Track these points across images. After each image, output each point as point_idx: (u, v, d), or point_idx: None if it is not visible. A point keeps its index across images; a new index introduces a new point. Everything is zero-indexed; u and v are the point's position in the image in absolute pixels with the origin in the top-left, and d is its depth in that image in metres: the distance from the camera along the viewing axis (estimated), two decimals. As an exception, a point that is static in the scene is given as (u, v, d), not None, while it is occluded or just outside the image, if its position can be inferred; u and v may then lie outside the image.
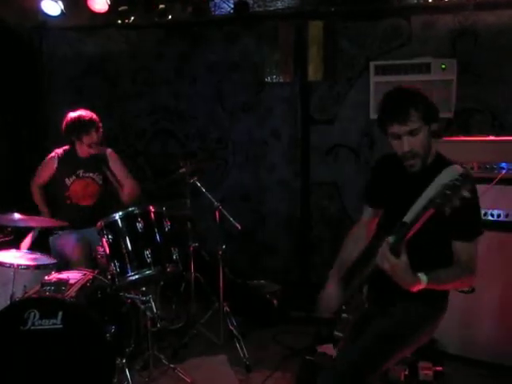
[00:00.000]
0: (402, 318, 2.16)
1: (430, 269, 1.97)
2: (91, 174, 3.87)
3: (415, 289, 1.92)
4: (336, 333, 2.28)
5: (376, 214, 2.42)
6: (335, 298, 2.31)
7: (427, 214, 1.78)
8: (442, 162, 2.06)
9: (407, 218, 1.85)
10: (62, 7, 4.61)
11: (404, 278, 1.89)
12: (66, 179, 3.82)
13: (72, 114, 3.77)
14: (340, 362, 2.17)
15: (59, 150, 3.89)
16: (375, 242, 2.08)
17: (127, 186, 3.85)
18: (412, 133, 2.05)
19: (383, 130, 2.16)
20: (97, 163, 3.86)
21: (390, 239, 1.88)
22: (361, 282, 2.20)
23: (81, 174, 3.84)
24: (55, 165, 3.84)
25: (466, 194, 1.70)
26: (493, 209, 3.38)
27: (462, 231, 2.03)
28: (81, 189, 3.82)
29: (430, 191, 1.78)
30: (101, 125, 3.80)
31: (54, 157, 3.86)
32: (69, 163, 3.83)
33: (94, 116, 3.78)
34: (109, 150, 3.94)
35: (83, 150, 3.79)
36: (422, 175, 2.06)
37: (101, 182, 3.91)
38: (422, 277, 1.91)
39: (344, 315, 2.28)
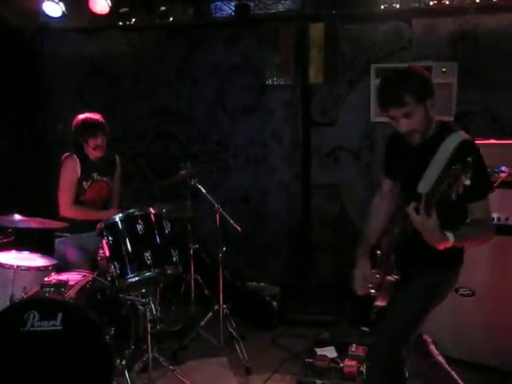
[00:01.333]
0: (426, 281, 2.36)
1: (449, 228, 2.11)
2: (105, 178, 3.83)
3: (442, 246, 2.06)
4: (372, 291, 2.46)
5: (394, 184, 2.60)
6: (368, 274, 2.48)
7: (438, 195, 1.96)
8: (445, 130, 2.26)
9: (423, 188, 2.08)
10: (64, 9, 4.61)
11: (433, 236, 2.02)
12: (84, 183, 3.72)
13: (79, 117, 3.70)
14: (379, 339, 2.40)
15: (71, 154, 3.73)
16: (397, 213, 2.30)
17: (115, 207, 3.84)
18: (407, 115, 2.19)
19: (383, 113, 2.31)
20: (108, 166, 3.86)
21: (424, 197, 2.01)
22: (389, 249, 2.39)
23: (95, 178, 3.78)
24: (78, 168, 3.69)
25: (467, 182, 1.90)
26: (493, 212, 3.37)
27: (473, 192, 2.10)
28: (96, 193, 3.79)
29: (439, 160, 2.09)
30: (107, 127, 3.73)
31: (74, 160, 3.69)
32: (85, 166, 3.73)
33: (101, 118, 3.71)
34: (118, 157, 3.94)
35: (91, 152, 3.75)
36: (427, 145, 2.25)
37: (111, 186, 3.90)
38: (450, 235, 2.05)
39: (376, 275, 2.46)
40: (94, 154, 3.72)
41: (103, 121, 3.72)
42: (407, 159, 2.39)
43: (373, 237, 2.55)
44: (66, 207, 3.69)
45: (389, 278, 2.42)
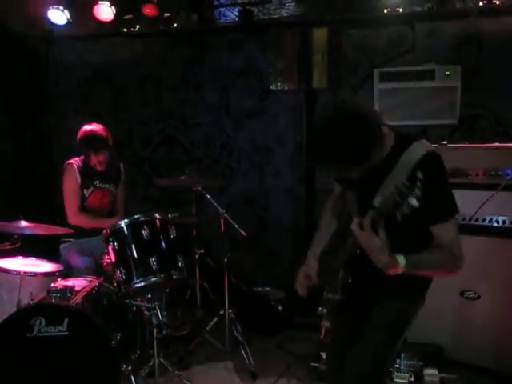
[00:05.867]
0: (395, 308, 2.12)
1: (403, 252, 1.86)
2: (107, 185, 3.86)
3: (393, 271, 1.83)
4: (320, 309, 2.31)
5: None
6: (314, 275, 2.36)
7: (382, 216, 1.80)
8: (401, 145, 1.97)
9: (377, 203, 1.83)
10: (68, 16, 4.65)
11: (379, 257, 1.81)
12: (85, 190, 3.78)
13: (86, 128, 3.71)
14: (354, 364, 2.16)
15: (74, 161, 3.78)
16: (346, 226, 1.97)
17: (119, 215, 3.90)
18: (346, 173, 2.01)
19: None
20: (111, 174, 3.87)
21: (369, 214, 1.83)
22: (337, 266, 2.14)
23: (97, 185, 3.82)
24: (77, 175, 3.74)
25: (413, 202, 1.69)
26: (497, 215, 3.37)
27: (434, 214, 1.92)
28: (98, 199, 3.82)
29: (397, 173, 1.86)
30: (111, 142, 3.74)
31: (73, 169, 3.75)
32: (86, 174, 3.78)
33: (105, 132, 3.70)
34: (122, 166, 3.95)
35: (93, 164, 3.77)
36: (387, 160, 1.97)
37: (114, 193, 3.92)
38: (400, 258, 1.82)
39: (327, 295, 2.28)
40: (95, 166, 3.75)
41: (107, 135, 3.71)
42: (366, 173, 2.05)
43: (324, 240, 2.34)
44: (73, 215, 3.74)
45: (332, 296, 2.23)
